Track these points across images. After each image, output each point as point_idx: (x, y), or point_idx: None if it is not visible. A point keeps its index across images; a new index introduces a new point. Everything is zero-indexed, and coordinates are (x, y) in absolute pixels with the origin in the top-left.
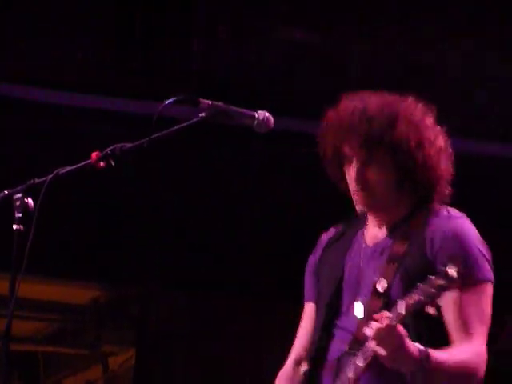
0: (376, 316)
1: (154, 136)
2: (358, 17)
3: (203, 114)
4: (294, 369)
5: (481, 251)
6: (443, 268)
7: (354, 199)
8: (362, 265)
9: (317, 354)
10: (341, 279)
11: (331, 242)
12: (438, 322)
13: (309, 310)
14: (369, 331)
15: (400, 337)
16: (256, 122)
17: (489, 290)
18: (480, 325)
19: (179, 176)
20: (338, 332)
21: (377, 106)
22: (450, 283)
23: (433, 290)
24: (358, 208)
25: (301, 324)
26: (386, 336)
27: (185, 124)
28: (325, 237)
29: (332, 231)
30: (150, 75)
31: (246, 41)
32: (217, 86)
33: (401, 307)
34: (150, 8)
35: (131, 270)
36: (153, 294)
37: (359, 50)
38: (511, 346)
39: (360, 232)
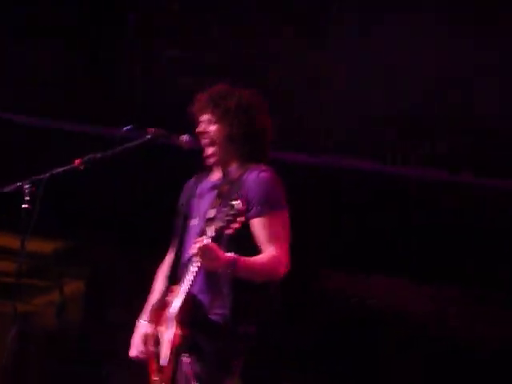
0: (196, 240)
1: (116, 150)
2: None
3: (149, 136)
4: (169, 263)
5: (277, 188)
6: (231, 202)
7: (204, 154)
8: (201, 199)
9: (176, 256)
10: (188, 206)
11: (191, 184)
12: (247, 239)
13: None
14: (192, 250)
15: (213, 250)
16: (182, 142)
17: (281, 216)
18: (278, 240)
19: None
20: (187, 241)
21: (225, 89)
22: (237, 212)
23: (228, 218)
24: (206, 158)
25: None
26: (203, 252)
27: (137, 142)
28: (191, 181)
29: (194, 177)
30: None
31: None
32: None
33: (210, 231)
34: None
35: (84, 226)
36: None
37: None
38: None
39: (205, 178)
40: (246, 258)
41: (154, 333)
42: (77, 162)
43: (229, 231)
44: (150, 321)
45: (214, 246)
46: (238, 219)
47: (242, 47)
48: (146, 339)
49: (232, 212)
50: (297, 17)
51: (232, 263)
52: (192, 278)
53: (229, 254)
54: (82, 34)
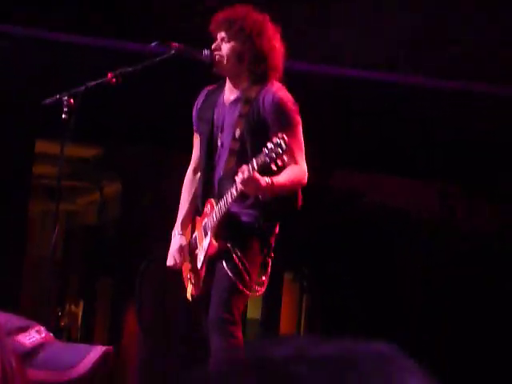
0: (241, 169)
1: (144, 64)
2: None
3: (173, 52)
4: (193, 173)
5: (292, 107)
6: (277, 140)
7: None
8: (224, 116)
9: (206, 169)
10: (212, 123)
11: (207, 96)
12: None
13: (196, 138)
14: (237, 179)
15: (256, 180)
16: (204, 56)
17: (298, 130)
18: (298, 153)
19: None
20: (220, 154)
21: (242, 10)
22: (282, 150)
23: (273, 155)
24: (216, 69)
25: (194, 146)
26: (247, 182)
27: (164, 56)
28: (203, 92)
29: (206, 90)
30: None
31: None
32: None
33: (256, 164)
34: None
35: (119, 136)
36: (132, 150)
37: None
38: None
39: (222, 93)
40: (279, 179)
41: (187, 244)
42: (109, 75)
43: (273, 167)
44: (184, 232)
45: (258, 177)
46: (282, 157)
47: None
48: (181, 250)
49: (278, 150)
50: None
51: (270, 188)
52: (231, 199)
53: (266, 180)
54: None
